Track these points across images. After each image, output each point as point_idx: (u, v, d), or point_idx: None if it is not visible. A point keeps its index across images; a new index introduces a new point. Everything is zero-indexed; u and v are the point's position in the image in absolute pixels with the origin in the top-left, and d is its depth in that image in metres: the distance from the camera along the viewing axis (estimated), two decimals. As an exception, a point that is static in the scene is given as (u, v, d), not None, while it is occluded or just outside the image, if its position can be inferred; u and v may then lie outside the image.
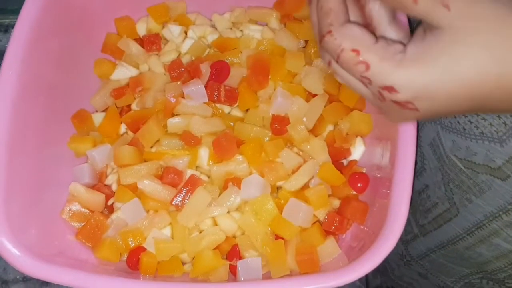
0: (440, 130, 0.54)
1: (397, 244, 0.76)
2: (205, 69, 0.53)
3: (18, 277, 0.53)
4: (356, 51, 0.28)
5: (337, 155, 0.52)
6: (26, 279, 0.53)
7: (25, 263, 0.40)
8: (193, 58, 0.56)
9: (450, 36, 0.26)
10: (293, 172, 0.50)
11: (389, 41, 0.29)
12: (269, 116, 0.52)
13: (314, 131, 0.53)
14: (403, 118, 0.29)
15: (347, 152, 0.53)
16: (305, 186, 0.50)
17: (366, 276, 0.60)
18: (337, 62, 0.30)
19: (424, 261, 0.69)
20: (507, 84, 0.26)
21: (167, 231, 0.49)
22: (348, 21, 0.30)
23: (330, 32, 0.29)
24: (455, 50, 0.26)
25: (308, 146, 0.51)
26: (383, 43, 0.29)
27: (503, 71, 0.26)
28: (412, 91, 0.27)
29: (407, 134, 0.41)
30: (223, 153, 0.50)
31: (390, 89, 0.27)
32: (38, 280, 0.53)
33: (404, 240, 0.72)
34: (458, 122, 0.51)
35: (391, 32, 0.30)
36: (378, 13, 0.30)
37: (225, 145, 0.49)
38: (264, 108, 0.52)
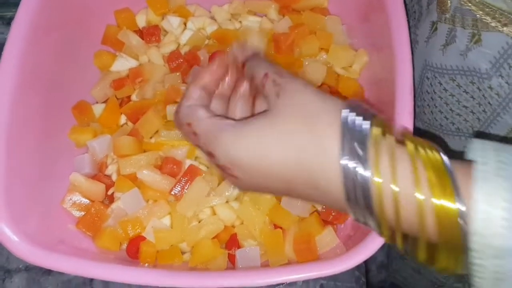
0: (422, 127, 0.54)
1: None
2: (204, 56, 0.53)
3: (21, 266, 0.54)
4: (188, 124, 0.33)
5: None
6: (28, 268, 0.54)
7: (26, 250, 0.41)
8: (192, 49, 0.57)
9: (270, 119, 0.30)
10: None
11: (223, 117, 0.33)
12: None
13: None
14: (231, 181, 0.33)
15: None
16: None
17: (366, 270, 0.60)
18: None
19: None
20: (306, 167, 0.28)
21: (166, 221, 0.50)
22: (198, 104, 0.34)
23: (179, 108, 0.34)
24: (265, 133, 0.29)
25: None
26: (216, 118, 0.32)
27: (302, 156, 0.28)
28: (225, 159, 0.31)
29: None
30: None
31: (211, 155, 0.31)
32: (40, 269, 0.53)
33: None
34: (435, 118, 0.51)
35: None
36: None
37: None
38: None
